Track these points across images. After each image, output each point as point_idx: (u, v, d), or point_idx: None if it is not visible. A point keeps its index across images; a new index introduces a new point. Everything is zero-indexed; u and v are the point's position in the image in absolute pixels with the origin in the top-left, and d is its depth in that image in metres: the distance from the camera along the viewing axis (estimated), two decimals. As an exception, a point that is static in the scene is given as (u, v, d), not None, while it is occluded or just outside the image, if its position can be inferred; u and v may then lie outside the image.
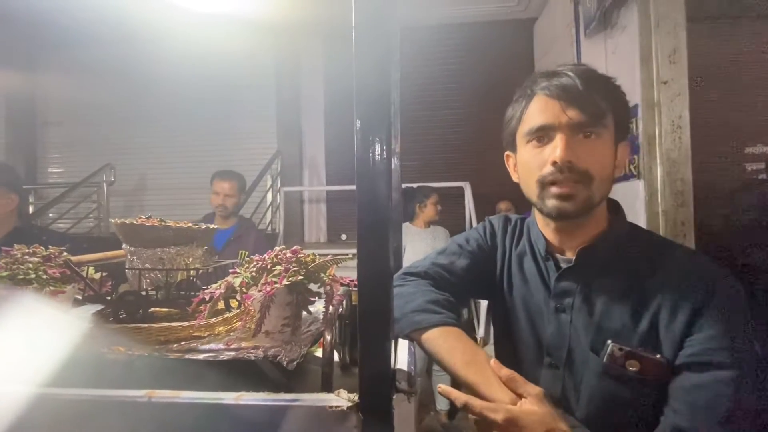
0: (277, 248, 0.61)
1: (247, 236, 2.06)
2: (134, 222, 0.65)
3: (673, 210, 2.04)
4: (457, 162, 4.06)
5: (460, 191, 3.60)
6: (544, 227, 0.65)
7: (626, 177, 2.25)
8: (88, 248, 0.86)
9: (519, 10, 3.86)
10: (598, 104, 0.55)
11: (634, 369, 0.51)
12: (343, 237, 4.15)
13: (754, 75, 2.45)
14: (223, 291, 0.57)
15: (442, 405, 2.58)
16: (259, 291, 0.54)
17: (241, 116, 4.24)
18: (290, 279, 0.55)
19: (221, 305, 0.68)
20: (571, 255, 0.61)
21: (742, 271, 2.06)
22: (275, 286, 0.54)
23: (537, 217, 0.66)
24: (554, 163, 0.55)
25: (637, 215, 2.15)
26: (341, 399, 0.47)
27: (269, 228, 3.87)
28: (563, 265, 0.61)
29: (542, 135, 0.58)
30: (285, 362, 0.54)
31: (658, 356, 0.51)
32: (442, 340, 0.58)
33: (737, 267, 2.22)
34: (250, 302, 0.54)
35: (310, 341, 0.61)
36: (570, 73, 0.56)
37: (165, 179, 4.30)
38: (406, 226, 2.54)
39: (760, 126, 2.47)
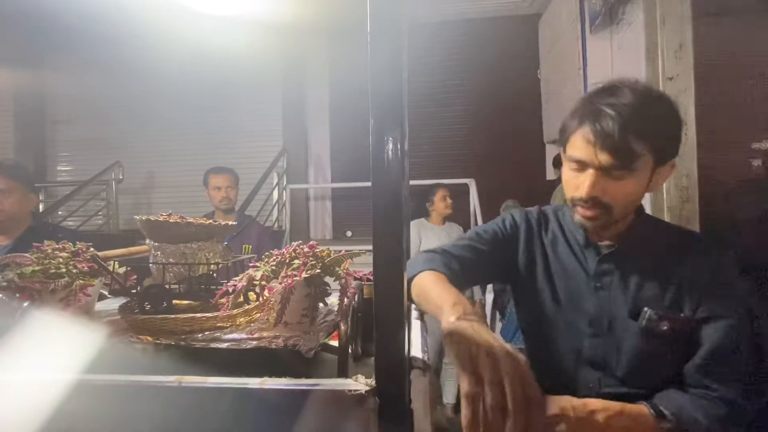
0: (294, 243, 0.64)
1: (249, 230, 2.08)
2: (158, 219, 0.68)
3: (678, 206, 2.05)
4: (462, 159, 4.07)
5: (466, 188, 3.62)
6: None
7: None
8: (98, 245, 0.89)
9: (524, 6, 3.86)
10: (633, 149, 0.61)
11: (665, 328, 0.65)
12: (348, 234, 4.19)
13: (760, 70, 2.44)
14: (245, 284, 0.59)
15: (448, 399, 2.61)
16: (280, 283, 0.57)
17: (247, 114, 4.28)
18: (309, 272, 0.58)
19: (241, 298, 0.71)
20: (608, 242, 0.72)
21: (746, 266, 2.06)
22: (295, 278, 0.56)
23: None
24: (581, 195, 0.65)
25: (642, 211, 2.15)
26: (359, 384, 0.50)
27: (276, 225, 3.91)
28: (604, 251, 0.71)
29: (579, 165, 0.66)
30: (304, 351, 0.57)
31: (682, 315, 0.66)
32: (423, 280, 0.65)
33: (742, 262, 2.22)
34: (271, 294, 0.57)
35: (327, 331, 0.64)
36: (613, 117, 0.60)
37: (172, 177, 4.35)
38: (422, 222, 2.60)
39: (766, 122, 2.46)
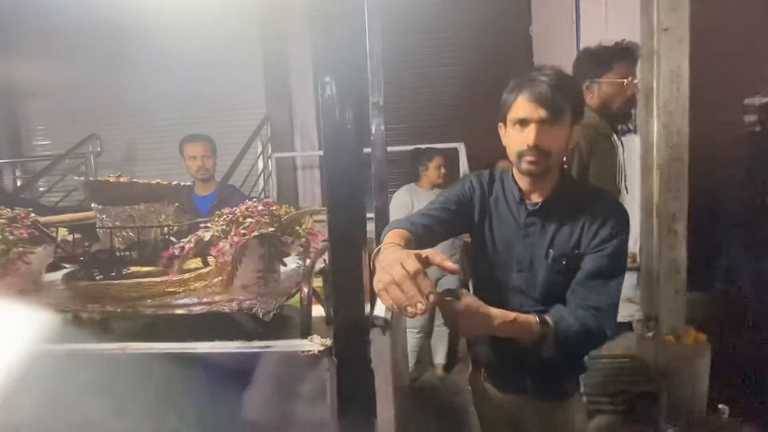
0: (249, 201, 0.59)
1: (231, 198, 2.01)
2: (99, 179, 0.62)
3: (668, 164, 2.01)
4: (450, 122, 3.95)
5: (455, 152, 3.54)
6: (519, 179, 0.94)
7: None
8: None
9: (515, -43, 3.63)
10: (561, 106, 0.83)
11: (564, 263, 0.88)
12: (338, 202, 4.12)
13: (758, 22, 2.34)
14: (193, 245, 0.55)
15: (439, 359, 2.67)
16: (229, 243, 0.53)
17: (227, 81, 4.07)
18: (260, 231, 0.53)
19: (199, 262, 0.67)
20: (536, 199, 0.92)
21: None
22: (245, 238, 0.52)
23: (515, 171, 0.95)
24: (528, 145, 0.84)
25: (632, 170, 2.11)
26: (313, 344, 0.47)
27: (262, 195, 3.83)
28: (530, 208, 0.92)
29: (522, 123, 0.85)
30: (261, 314, 0.54)
31: (576, 252, 0.87)
32: (387, 236, 0.81)
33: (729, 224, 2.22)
34: (220, 254, 0.53)
35: (288, 293, 0.61)
36: (545, 82, 0.83)
37: (153, 149, 4.20)
38: (412, 187, 2.57)
39: (761, 76, 2.39)
